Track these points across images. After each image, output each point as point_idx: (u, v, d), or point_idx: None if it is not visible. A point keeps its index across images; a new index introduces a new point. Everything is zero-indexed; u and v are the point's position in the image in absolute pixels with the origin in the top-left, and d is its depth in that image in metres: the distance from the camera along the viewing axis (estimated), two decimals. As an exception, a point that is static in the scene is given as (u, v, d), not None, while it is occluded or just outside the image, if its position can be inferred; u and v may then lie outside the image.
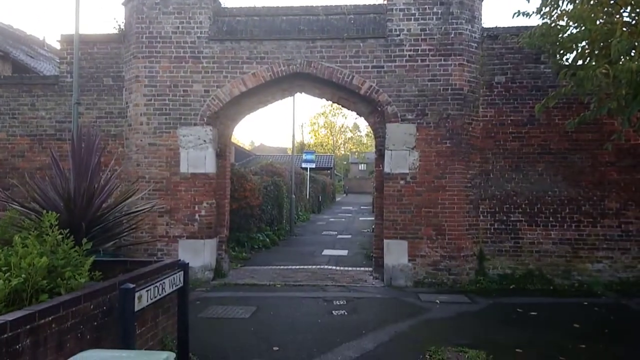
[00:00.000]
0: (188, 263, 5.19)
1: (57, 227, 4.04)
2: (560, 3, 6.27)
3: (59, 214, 4.16)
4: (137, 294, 4.02)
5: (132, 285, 3.95)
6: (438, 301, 8.21)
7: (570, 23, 6.64)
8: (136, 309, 4.03)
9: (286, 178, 19.07)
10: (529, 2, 6.63)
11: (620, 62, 5.40)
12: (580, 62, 6.52)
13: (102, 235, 4.77)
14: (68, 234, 4.15)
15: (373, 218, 21.62)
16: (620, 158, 9.58)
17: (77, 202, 4.46)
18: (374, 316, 7.36)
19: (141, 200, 9.58)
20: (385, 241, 9.56)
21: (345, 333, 6.44)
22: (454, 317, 7.34)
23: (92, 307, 3.82)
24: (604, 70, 5.25)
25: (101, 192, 4.71)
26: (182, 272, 5.01)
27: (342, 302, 8.11)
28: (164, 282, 4.57)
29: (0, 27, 17.73)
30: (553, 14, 6.51)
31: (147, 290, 4.25)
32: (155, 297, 4.40)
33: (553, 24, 6.74)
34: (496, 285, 9.41)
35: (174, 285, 4.83)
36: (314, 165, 28.39)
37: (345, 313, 7.48)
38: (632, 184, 9.54)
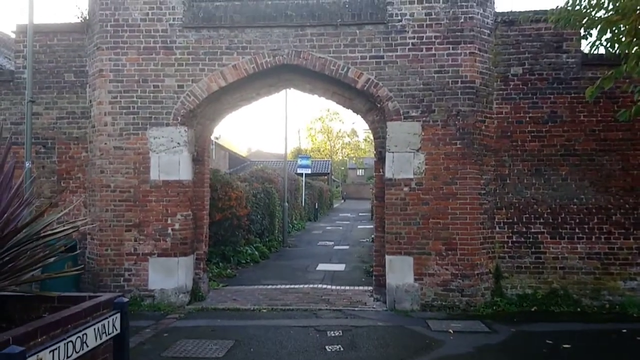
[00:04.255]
0: (128, 301, 3.92)
1: None
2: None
3: None
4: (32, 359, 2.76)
5: (18, 349, 2.67)
6: (451, 330, 6.92)
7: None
8: (31, 381, 2.77)
9: (279, 184, 17.79)
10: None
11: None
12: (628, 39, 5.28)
13: (4, 270, 3.51)
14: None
15: (372, 226, 20.37)
16: (655, 160, 8.36)
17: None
18: (375, 352, 6.08)
19: (106, 212, 8.40)
20: (388, 257, 8.28)
21: (341, 379, 5.16)
22: (472, 354, 6.04)
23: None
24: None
25: (3, 213, 3.44)
26: (117, 315, 3.74)
27: (337, 333, 6.81)
28: (85, 334, 3.30)
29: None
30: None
31: (53, 350, 2.97)
32: (68, 357, 3.13)
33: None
34: (515, 308, 8.14)
35: (104, 334, 3.56)
36: (309, 171, 27.17)
37: (341, 348, 6.19)
38: (670, 189, 8.31)
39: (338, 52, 8.33)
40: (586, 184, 8.44)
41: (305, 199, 26.71)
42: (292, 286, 10.07)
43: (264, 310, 8.09)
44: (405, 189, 8.25)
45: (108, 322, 3.60)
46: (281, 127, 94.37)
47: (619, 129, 8.35)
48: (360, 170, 72.32)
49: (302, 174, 25.82)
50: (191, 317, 7.72)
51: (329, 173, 49.56)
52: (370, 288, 9.39)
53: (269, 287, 10.03)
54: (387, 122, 8.37)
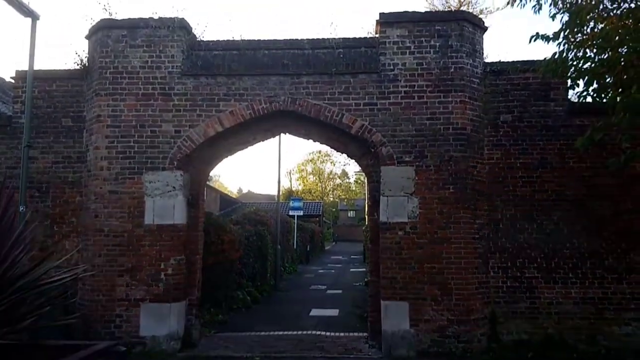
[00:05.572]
0: (125, 349, 3.87)
1: None
2: (587, 24, 5.34)
3: None
4: (27, 417, 2.71)
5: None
6: (449, 379, 6.83)
7: (595, 50, 5.72)
8: None
9: (271, 227, 17.74)
10: (553, 20, 5.64)
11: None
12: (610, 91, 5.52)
13: (3, 318, 3.47)
14: None
15: (364, 269, 20.23)
16: (644, 205, 8.51)
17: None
18: (372, 402, 5.96)
19: (99, 257, 8.32)
20: (383, 303, 8.23)
21: None
22: (471, 403, 5.95)
23: None
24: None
25: (5, 259, 3.43)
26: (115, 366, 3.69)
27: (333, 382, 6.69)
28: (81, 387, 3.25)
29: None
30: (577, 37, 5.57)
31: (50, 405, 2.92)
32: (64, 412, 3.06)
33: (574, 51, 5.80)
34: (512, 354, 8.04)
35: (100, 387, 3.50)
36: (301, 213, 27.14)
37: (338, 398, 6.07)
38: (661, 234, 8.43)
39: (333, 99, 8.55)
40: (578, 229, 8.54)
41: (297, 241, 26.56)
42: (285, 332, 9.90)
43: (257, 358, 7.93)
44: (400, 232, 8.30)
45: (105, 373, 3.54)
46: (271, 168, 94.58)
47: (608, 175, 8.48)
48: (352, 212, 72.32)
49: (294, 216, 25.79)
50: (183, 366, 7.55)
51: (320, 214, 49.50)
52: (365, 334, 9.27)
53: (262, 333, 9.84)
54: (381, 166, 8.50)
